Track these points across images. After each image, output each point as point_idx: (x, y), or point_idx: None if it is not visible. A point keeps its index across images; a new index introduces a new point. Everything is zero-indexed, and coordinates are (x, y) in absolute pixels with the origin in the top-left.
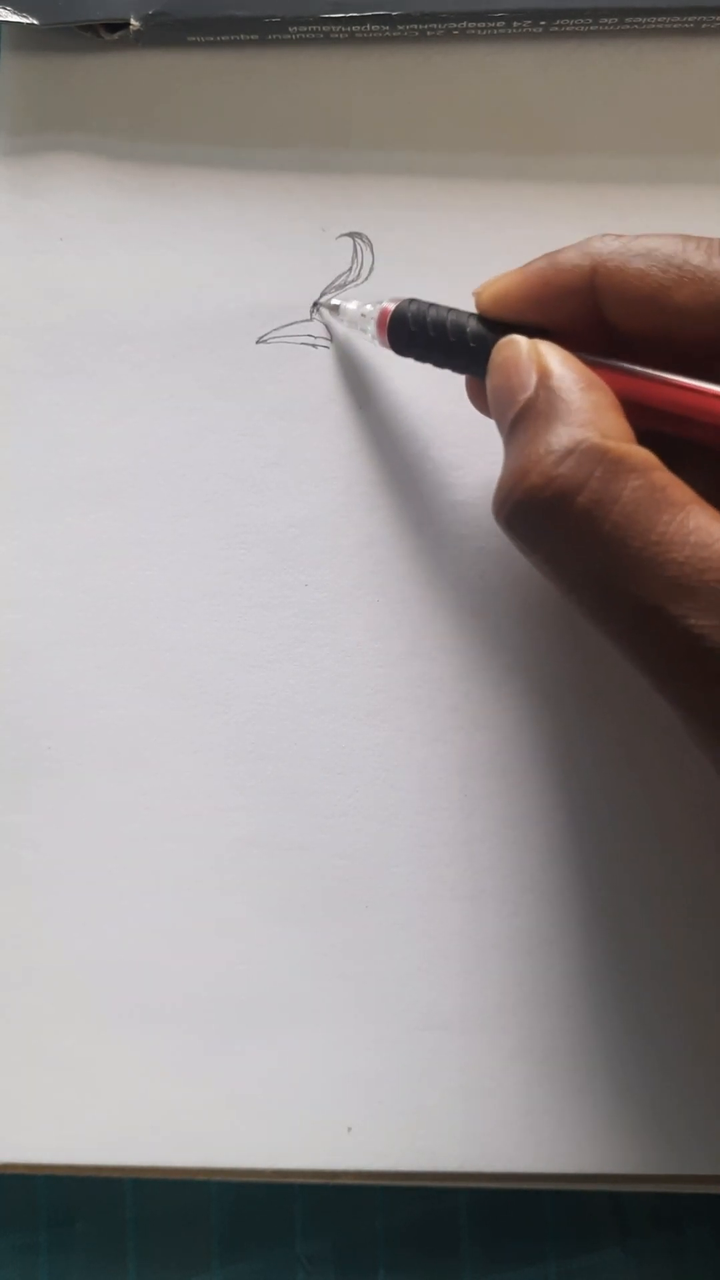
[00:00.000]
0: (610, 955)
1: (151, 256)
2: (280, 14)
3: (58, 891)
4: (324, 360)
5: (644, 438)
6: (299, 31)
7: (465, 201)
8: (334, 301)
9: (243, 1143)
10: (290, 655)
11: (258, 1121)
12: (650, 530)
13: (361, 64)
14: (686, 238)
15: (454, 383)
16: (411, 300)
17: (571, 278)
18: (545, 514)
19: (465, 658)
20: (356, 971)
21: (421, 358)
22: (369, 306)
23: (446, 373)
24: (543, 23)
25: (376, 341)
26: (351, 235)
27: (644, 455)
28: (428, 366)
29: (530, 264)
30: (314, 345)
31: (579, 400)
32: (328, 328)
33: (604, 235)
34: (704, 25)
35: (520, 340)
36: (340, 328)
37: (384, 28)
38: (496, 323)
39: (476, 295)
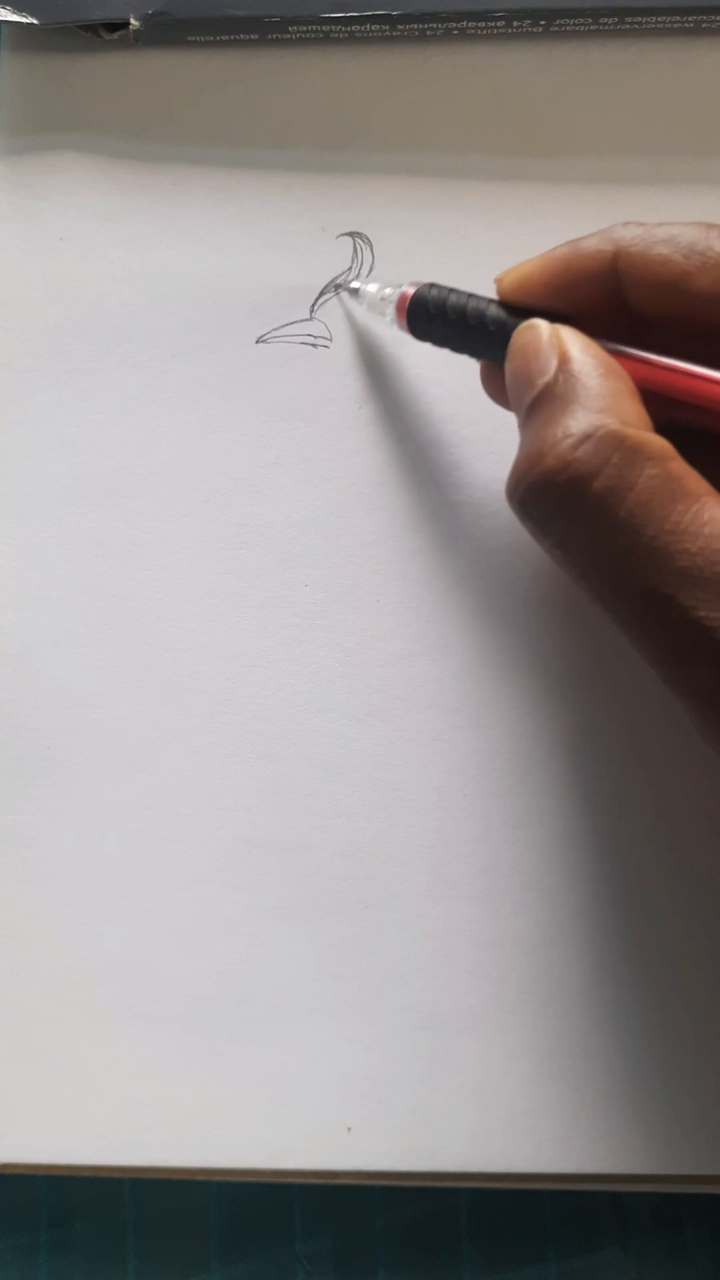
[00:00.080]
0: (611, 955)
1: (151, 256)
2: (280, 14)
3: (58, 891)
4: (324, 360)
5: (661, 427)
6: (299, 31)
7: (465, 201)
8: (354, 285)
9: (243, 1143)
10: (290, 655)
11: (258, 1121)
12: (665, 519)
13: (361, 64)
14: (710, 225)
15: (455, 384)
16: (432, 285)
17: (594, 263)
18: (560, 498)
19: (465, 657)
20: (356, 971)
21: (440, 342)
22: (389, 290)
23: (447, 375)
24: (543, 23)
25: (395, 325)
26: (351, 235)
27: (661, 444)
28: (434, 363)
29: (552, 250)
30: (314, 345)
31: (598, 386)
32: (347, 311)
33: (626, 223)
34: (704, 25)
35: (541, 324)
36: (359, 311)
37: (384, 28)
38: (517, 308)
39: (498, 281)
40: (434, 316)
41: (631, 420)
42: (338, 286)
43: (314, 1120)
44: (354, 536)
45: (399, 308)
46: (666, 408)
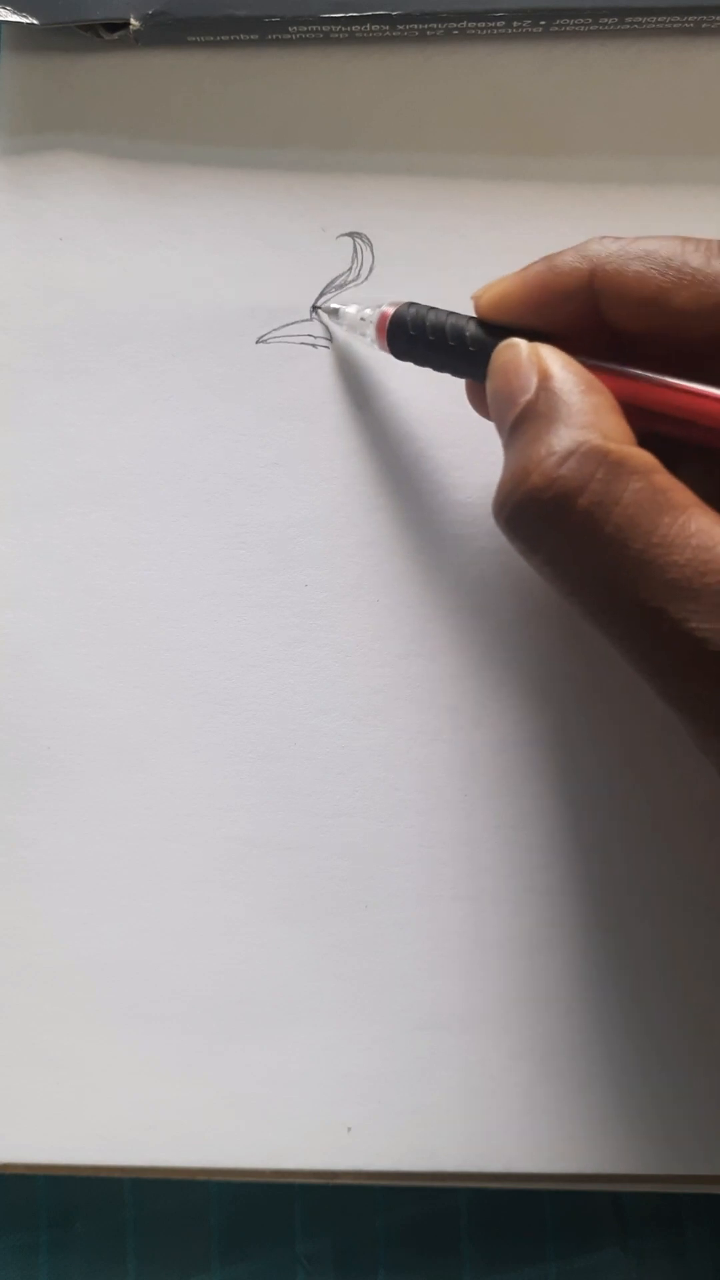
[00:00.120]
0: (610, 955)
1: (151, 256)
2: (280, 14)
3: (58, 891)
4: (324, 360)
5: (644, 441)
6: (299, 31)
7: (465, 201)
8: (333, 305)
9: (243, 1143)
10: (290, 655)
11: (258, 1121)
12: (652, 532)
13: (361, 64)
14: (685, 239)
15: (454, 383)
16: (410, 304)
17: (570, 280)
18: (546, 516)
19: (465, 657)
20: (356, 971)
21: (421, 362)
22: (368, 311)
23: (446, 375)
24: (543, 23)
25: (376, 345)
26: (351, 235)
27: (645, 457)
28: (427, 369)
29: (529, 267)
30: (314, 345)
31: (579, 402)
32: (327, 329)
33: (603, 238)
34: (704, 25)
35: (520, 343)
36: (340, 331)
37: (384, 28)
38: (496, 326)
39: (475, 299)
40: (414, 337)
41: (614, 435)
42: (316, 308)
43: (314, 1120)
44: (354, 536)
45: (379, 328)
46: (649, 421)
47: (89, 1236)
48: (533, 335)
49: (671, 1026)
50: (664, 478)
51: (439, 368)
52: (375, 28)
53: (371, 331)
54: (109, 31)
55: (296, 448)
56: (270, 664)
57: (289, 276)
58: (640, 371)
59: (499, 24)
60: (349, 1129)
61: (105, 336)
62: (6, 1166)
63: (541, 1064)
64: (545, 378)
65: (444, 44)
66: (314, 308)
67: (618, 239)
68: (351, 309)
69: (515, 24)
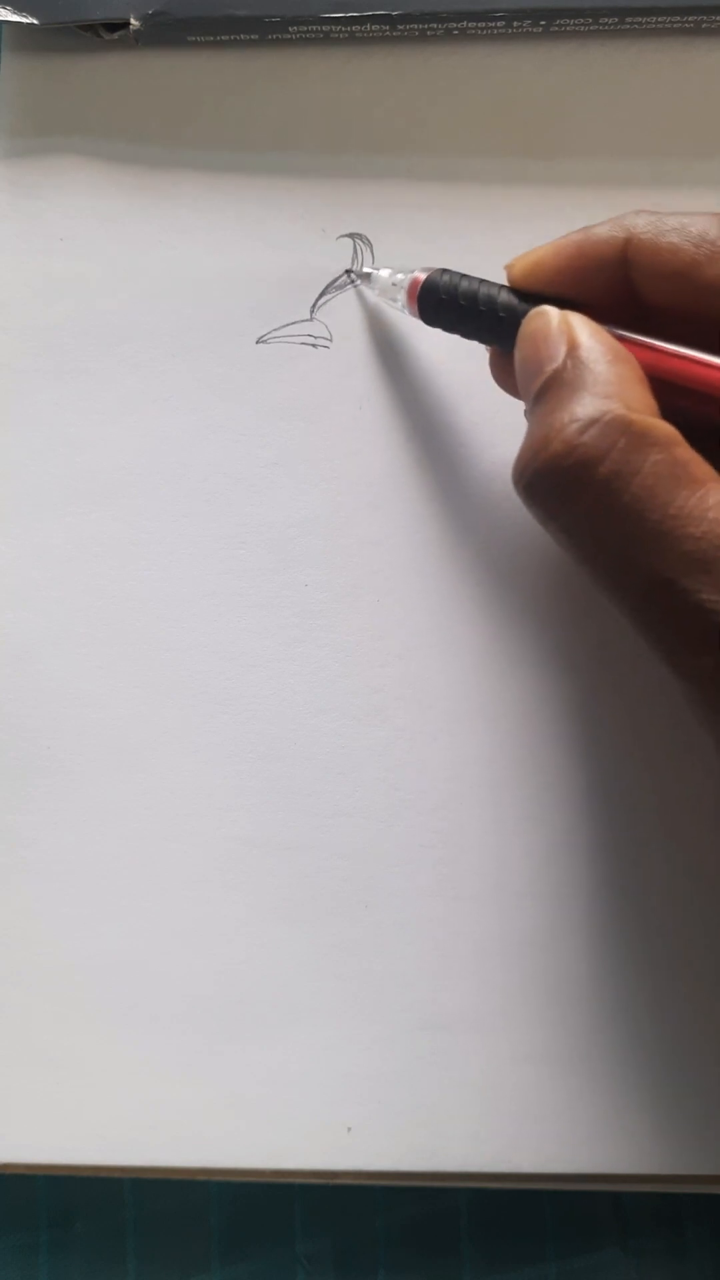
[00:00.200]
0: (611, 955)
1: (151, 256)
2: (280, 14)
3: (58, 891)
4: (324, 360)
5: (668, 416)
6: (299, 31)
7: (465, 202)
8: (365, 269)
9: (243, 1143)
10: (290, 655)
11: (258, 1121)
12: (669, 504)
13: (361, 64)
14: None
15: (453, 383)
16: (444, 270)
17: (605, 250)
18: (566, 483)
19: (465, 657)
20: (356, 971)
21: (450, 328)
22: (400, 275)
23: (446, 373)
24: (543, 23)
25: (406, 311)
26: (351, 236)
27: (667, 430)
28: (434, 361)
29: (565, 236)
30: (314, 345)
31: (605, 372)
32: (359, 295)
33: (639, 211)
34: (704, 25)
35: (551, 311)
36: (371, 296)
37: (384, 28)
38: (528, 295)
39: (509, 268)
40: (445, 302)
41: (638, 406)
42: (349, 272)
43: (314, 1120)
44: (354, 536)
45: (410, 293)
46: (675, 397)
47: (89, 1236)
48: (564, 304)
49: (671, 1026)
50: (685, 450)
51: (468, 335)
52: (375, 28)
53: (402, 296)
54: (109, 31)
55: (296, 448)
56: (270, 664)
57: (289, 277)
58: (667, 344)
59: (499, 24)
60: (349, 1129)
61: (105, 336)
62: (6, 1166)
63: (541, 1064)
64: (573, 346)
65: (444, 44)
66: (348, 272)
67: (654, 212)
68: (384, 273)
69: (515, 24)
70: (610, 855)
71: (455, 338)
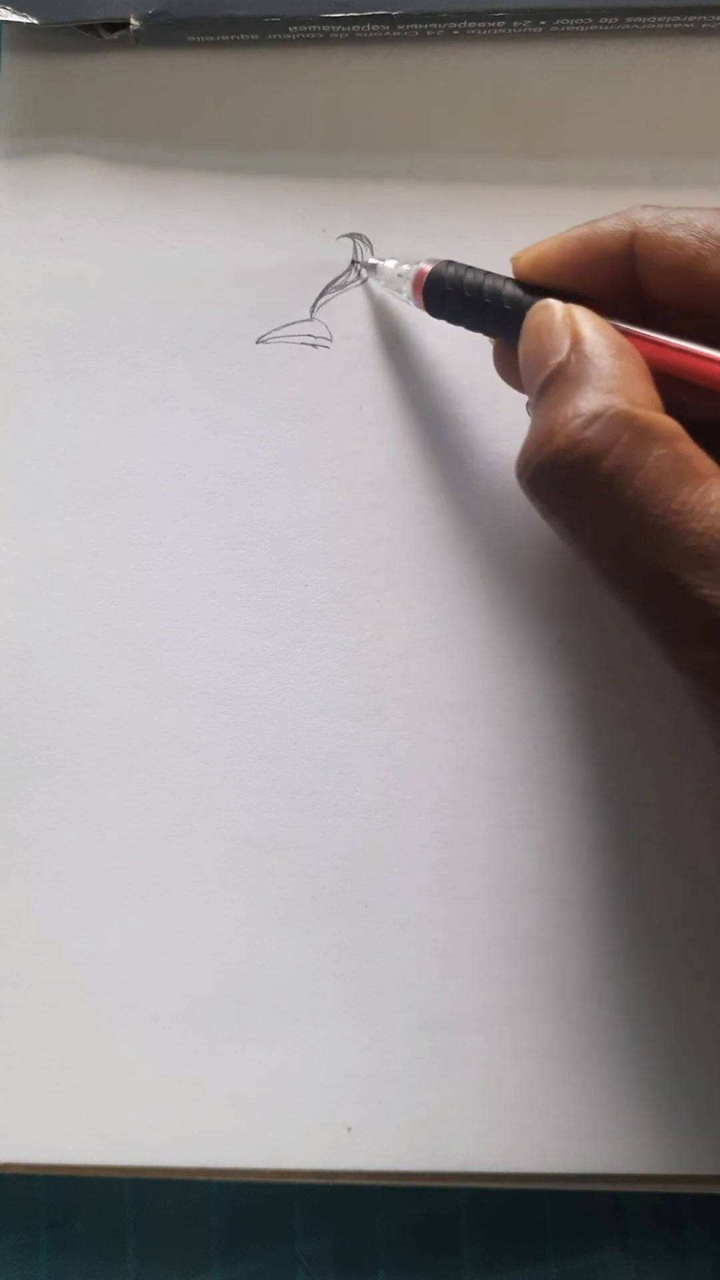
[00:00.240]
0: (610, 955)
1: (151, 256)
2: (280, 14)
3: (58, 891)
4: (324, 360)
5: (671, 410)
6: (299, 31)
7: (465, 202)
8: (371, 260)
9: (243, 1143)
10: (290, 655)
11: (258, 1121)
12: (671, 499)
13: (361, 64)
14: None
15: (454, 382)
16: (449, 262)
17: (611, 243)
18: (569, 477)
19: (465, 657)
20: (356, 971)
21: (455, 320)
22: (405, 266)
23: (448, 371)
24: (543, 23)
25: (411, 302)
26: (351, 236)
27: (670, 425)
28: (434, 358)
29: (571, 230)
30: (314, 345)
31: (609, 366)
32: (363, 277)
33: (645, 205)
34: (704, 25)
35: (555, 304)
36: (377, 286)
37: (384, 28)
38: (533, 287)
39: (515, 260)
40: (450, 294)
41: (641, 400)
42: (355, 263)
43: (314, 1120)
44: (354, 536)
45: (415, 284)
46: (678, 391)
47: (89, 1236)
48: (569, 298)
49: (671, 1026)
50: (688, 445)
51: (473, 327)
52: (375, 28)
53: (408, 288)
54: (109, 31)
55: (296, 448)
56: (270, 664)
57: (289, 277)
58: (671, 339)
59: (499, 24)
60: (349, 1129)
61: (105, 336)
62: (6, 1166)
63: (542, 1064)
64: (577, 340)
65: (444, 44)
66: (353, 263)
67: (660, 206)
68: (389, 264)
69: (515, 24)
70: (611, 855)
71: (458, 335)
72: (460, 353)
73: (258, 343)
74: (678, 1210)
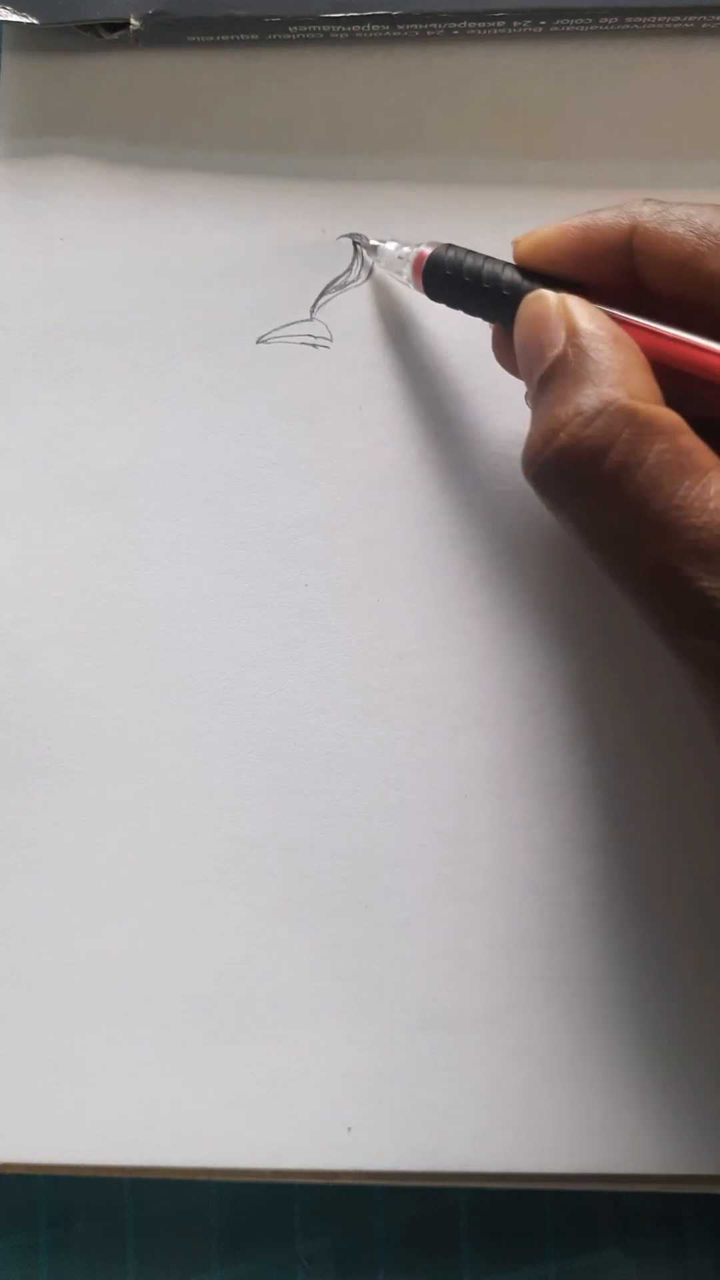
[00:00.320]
0: (610, 955)
1: (151, 256)
2: (280, 14)
3: (58, 891)
4: (324, 360)
5: (668, 400)
6: (299, 31)
7: (465, 203)
8: (372, 242)
9: (243, 1143)
10: (290, 655)
11: (258, 1121)
12: (673, 494)
13: (361, 64)
14: None
15: (454, 383)
16: (450, 245)
17: (610, 235)
18: (573, 474)
19: (466, 657)
20: (356, 971)
21: (455, 304)
22: (406, 249)
23: (448, 372)
24: (543, 23)
25: (411, 285)
26: (351, 236)
27: (671, 418)
28: (435, 359)
29: (571, 218)
30: (314, 345)
31: (608, 359)
32: (366, 264)
33: (645, 199)
34: (704, 25)
35: (548, 295)
36: (378, 269)
37: (384, 28)
38: (533, 274)
39: (515, 244)
40: (449, 278)
41: (641, 394)
42: (356, 243)
43: (314, 1120)
44: (354, 536)
45: (415, 267)
46: (674, 381)
47: (89, 1236)
48: (569, 286)
49: (671, 1026)
50: (689, 439)
51: (472, 311)
52: (375, 28)
53: (408, 270)
54: (109, 31)
55: (296, 448)
56: (270, 664)
57: (289, 277)
58: (667, 328)
59: (499, 24)
60: (349, 1129)
61: (105, 336)
62: (6, 1166)
63: (541, 1064)
64: (573, 332)
65: (444, 44)
66: (354, 242)
67: (660, 201)
68: (390, 245)
69: (515, 24)
70: (611, 855)
71: (458, 335)
72: (461, 352)
73: (258, 343)
74: (678, 1210)
